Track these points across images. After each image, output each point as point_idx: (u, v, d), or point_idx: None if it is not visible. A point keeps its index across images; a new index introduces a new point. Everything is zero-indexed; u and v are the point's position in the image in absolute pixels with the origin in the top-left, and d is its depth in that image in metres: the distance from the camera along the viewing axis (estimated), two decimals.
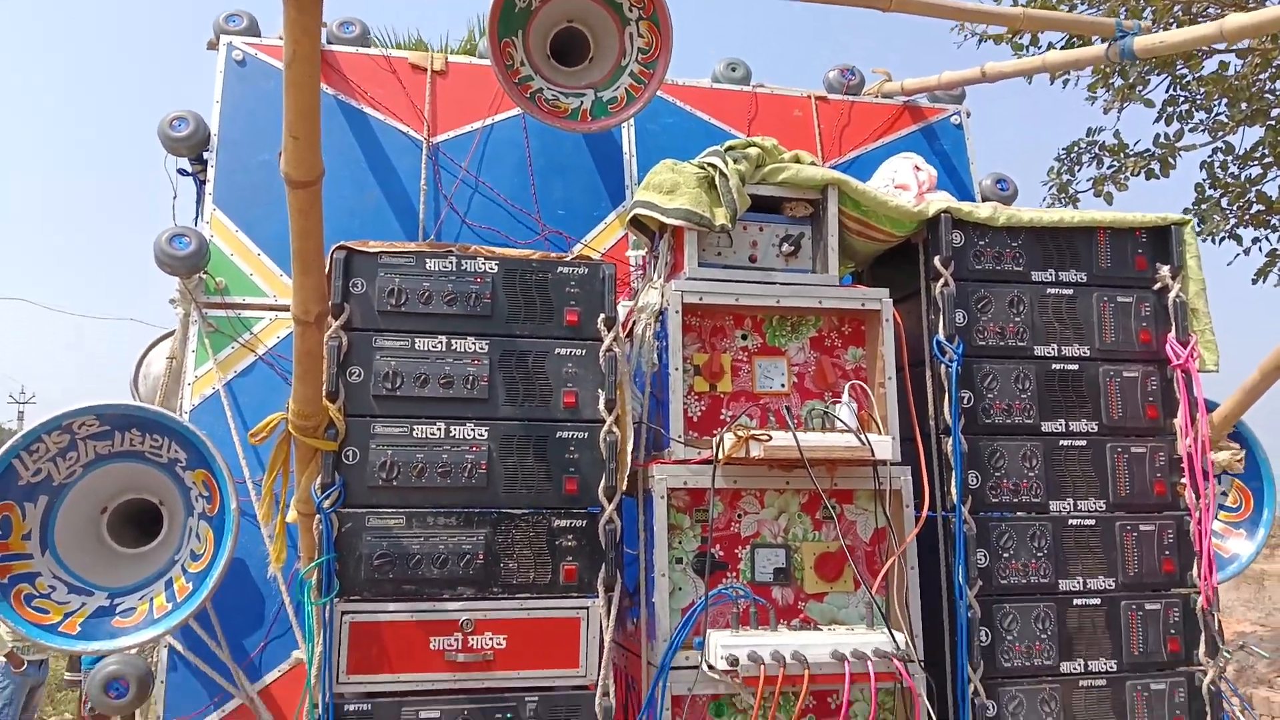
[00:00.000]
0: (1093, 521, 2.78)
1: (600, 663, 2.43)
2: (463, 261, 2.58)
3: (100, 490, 3.06)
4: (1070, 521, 2.76)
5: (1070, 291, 2.88)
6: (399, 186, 4.10)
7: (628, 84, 3.75)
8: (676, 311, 2.60)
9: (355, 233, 3.93)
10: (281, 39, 4.05)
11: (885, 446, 2.52)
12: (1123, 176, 10.66)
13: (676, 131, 4.38)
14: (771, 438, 2.42)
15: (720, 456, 2.46)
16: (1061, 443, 2.80)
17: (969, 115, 4.76)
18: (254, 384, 3.63)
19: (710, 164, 2.73)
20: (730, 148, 2.82)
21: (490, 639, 2.41)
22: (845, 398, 2.62)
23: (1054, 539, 2.74)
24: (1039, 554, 2.72)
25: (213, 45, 4.10)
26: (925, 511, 2.59)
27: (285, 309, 3.76)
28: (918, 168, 3.08)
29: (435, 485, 2.45)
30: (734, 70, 4.55)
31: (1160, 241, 2.95)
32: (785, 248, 2.81)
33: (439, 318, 2.53)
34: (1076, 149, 11.67)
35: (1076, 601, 2.73)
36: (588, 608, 2.46)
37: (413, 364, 2.49)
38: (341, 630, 2.34)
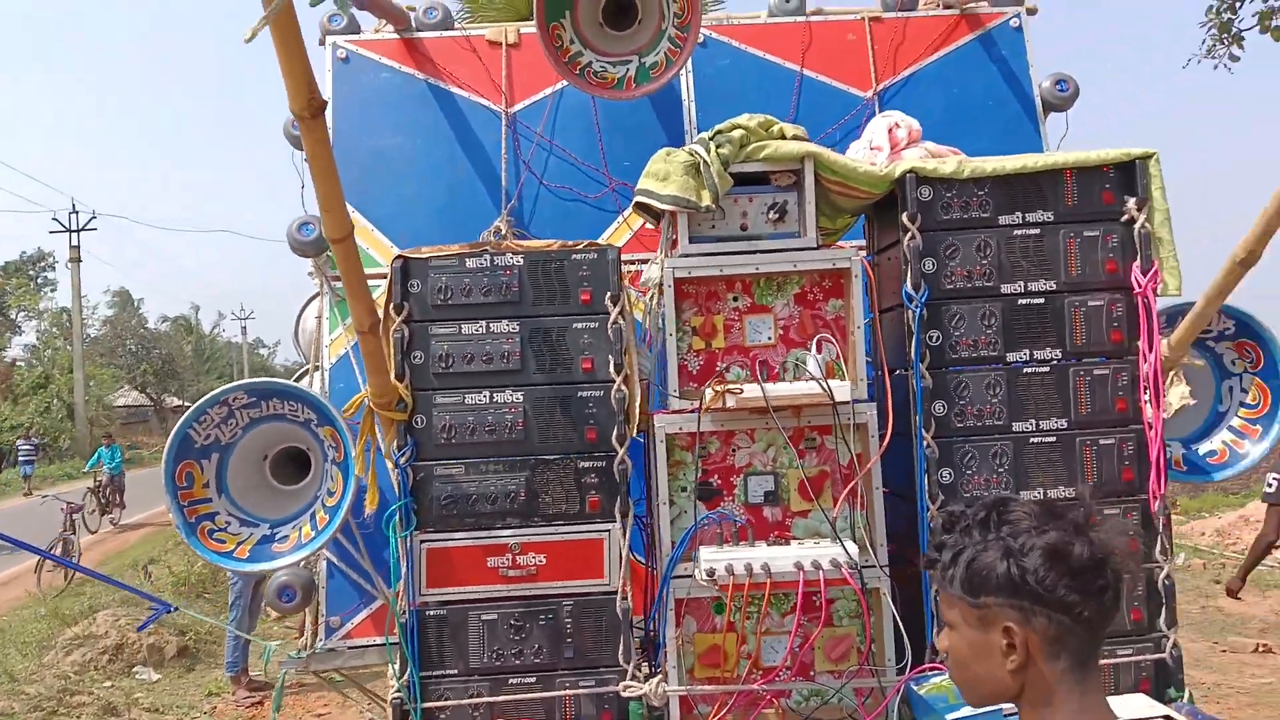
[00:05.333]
0: (1054, 438, 3.14)
1: (621, 574, 3.08)
2: (495, 258, 3.17)
3: (260, 444, 3.92)
4: (1032, 439, 3.14)
5: (1037, 231, 3.16)
6: (484, 157, 4.68)
7: (666, 48, 4.14)
8: (669, 286, 3.11)
9: (452, 205, 4.57)
10: (378, 31, 4.65)
11: (844, 390, 2.98)
12: None
13: (732, 73, 4.69)
14: (743, 390, 2.93)
15: (702, 407, 3.00)
16: (1025, 370, 3.15)
17: (1034, 12, 4.81)
18: None
19: (695, 151, 3.16)
20: (718, 132, 3.23)
21: (533, 558, 3.10)
22: (812, 349, 3.08)
23: (1015, 455, 3.13)
24: (1000, 469, 3.12)
25: (321, 43, 4.74)
26: (887, 440, 3.05)
27: None
28: (895, 126, 3.37)
29: (484, 441, 3.12)
30: (788, 1, 4.77)
31: (1127, 175, 3.16)
32: (772, 215, 3.23)
33: (479, 306, 3.15)
34: None
35: None
36: (609, 531, 3.10)
37: (460, 346, 3.14)
38: (421, 555, 3.08)
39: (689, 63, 4.64)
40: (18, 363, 36.06)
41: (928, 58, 4.68)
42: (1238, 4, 11.09)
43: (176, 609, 4.77)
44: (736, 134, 3.19)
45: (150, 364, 39.67)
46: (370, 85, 4.61)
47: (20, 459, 26.01)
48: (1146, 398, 3.12)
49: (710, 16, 4.98)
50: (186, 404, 39.45)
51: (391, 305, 3.11)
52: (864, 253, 3.61)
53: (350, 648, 4.17)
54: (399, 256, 3.15)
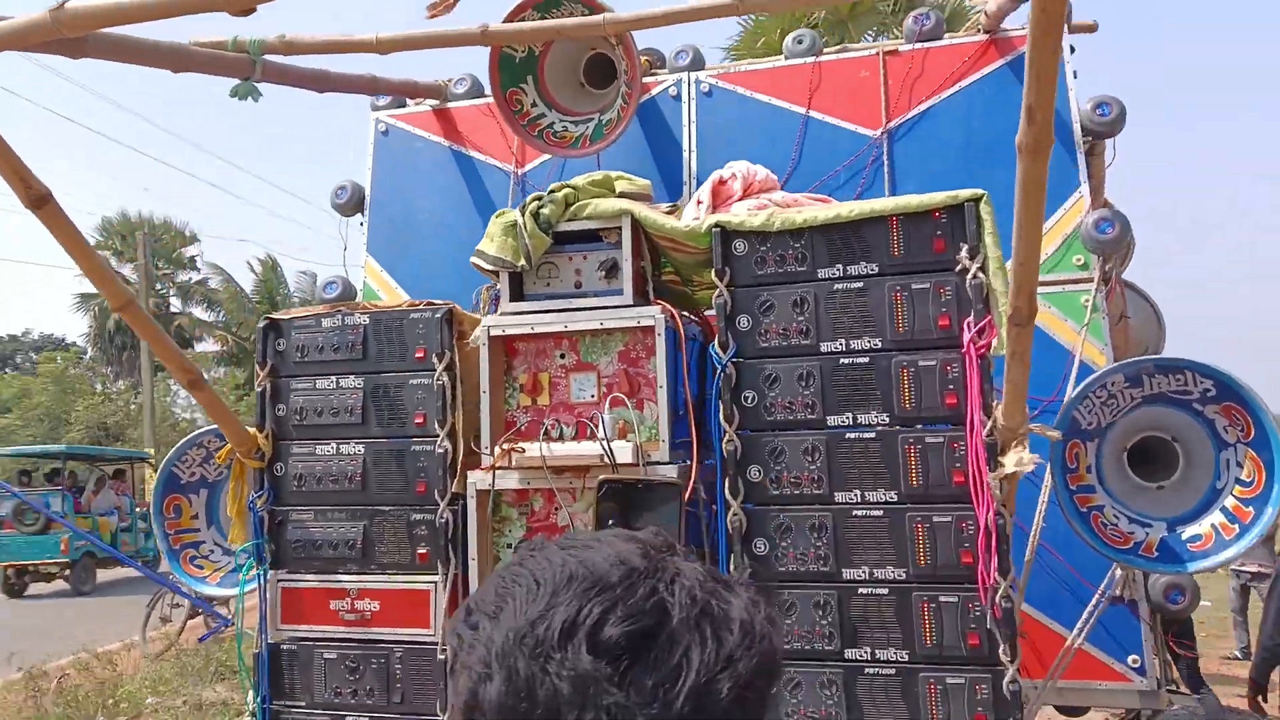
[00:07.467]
0: (880, 513, 2.81)
1: (443, 624, 3.16)
2: (345, 317, 3.39)
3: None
4: (855, 513, 2.83)
5: (860, 284, 2.86)
6: None
7: (619, 105, 4.17)
8: (483, 344, 3.17)
9: (467, 261, 4.84)
10: (418, 104, 5.01)
11: (626, 452, 2.87)
12: None
13: (738, 120, 4.55)
14: (525, 450, 2.93)
15: (494, 465, 3.02)
16: (848, 435, 2.85)
17: (1092, 29, 4.27)
18: None
19: (515, 213, 3.19)
20: (551, 191, 3.24)
21: (369, 603, 3.27)
22: (606, 408, 2.99)
23: (835, 529, 2.84)
24: (818, 543, 2.85)
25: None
26: (685, 498, 2.89)
27: None
28: (730, 178, 3.17)
29: (330, 489, 3.34)
30: (800, 43, 4.56)
31: (961, 221, 2.78)
32: (600, 271, 3.19)
33: (330, 363, 3.39)
34: None
35: (861, 590, 2.82)
36: (436, 582, 3.20)
37: (313, 400, 3.39)
38: (276, 592, 3.36)
39: (692, 112, 4.58)
40: None
41: (947, 89, 4.28)
42: None
43: (230, 623, 5.39)
44: (562, 194, 3.18)
45: None
46: (405, 154, 4.96)
47: None
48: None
49: (719, 65, 4.86)
50: None
51: (258, 362, 3.42)
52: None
53: None
54: (266, 317, 3.46)
